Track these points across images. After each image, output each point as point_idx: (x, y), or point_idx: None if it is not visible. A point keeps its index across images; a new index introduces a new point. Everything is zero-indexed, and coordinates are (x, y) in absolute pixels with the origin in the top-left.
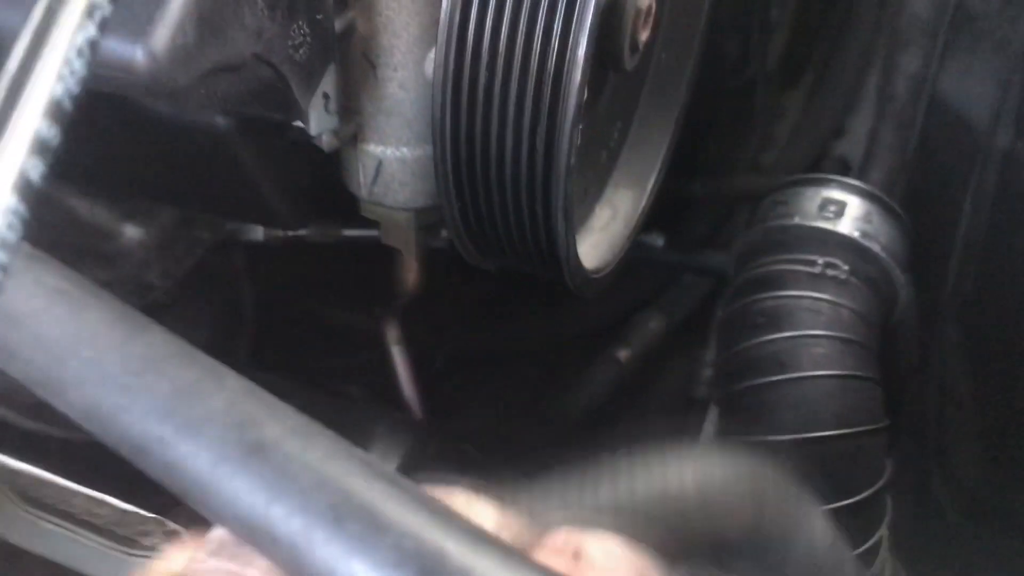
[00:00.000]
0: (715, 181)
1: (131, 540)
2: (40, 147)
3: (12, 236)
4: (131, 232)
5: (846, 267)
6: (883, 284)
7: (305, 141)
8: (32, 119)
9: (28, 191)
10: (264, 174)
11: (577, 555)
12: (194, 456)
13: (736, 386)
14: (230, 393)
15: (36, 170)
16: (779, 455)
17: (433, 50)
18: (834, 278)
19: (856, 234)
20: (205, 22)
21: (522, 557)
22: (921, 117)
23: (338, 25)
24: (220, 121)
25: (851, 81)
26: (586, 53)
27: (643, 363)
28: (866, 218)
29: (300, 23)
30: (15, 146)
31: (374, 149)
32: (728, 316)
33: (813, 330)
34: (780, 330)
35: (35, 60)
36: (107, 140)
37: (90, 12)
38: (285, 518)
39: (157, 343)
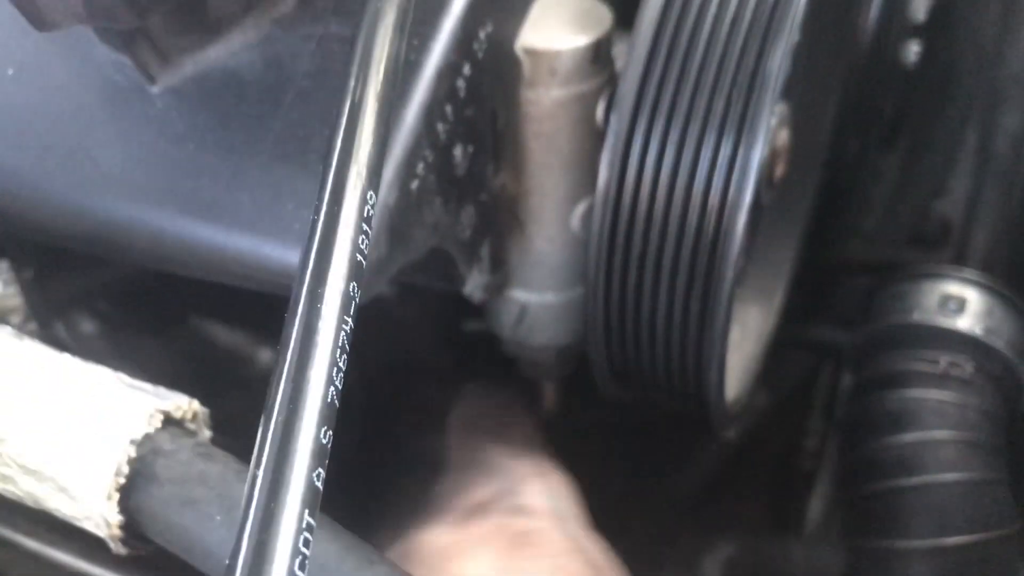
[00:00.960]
0: (817, 252)
1: None
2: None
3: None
4: (266, 357)
5: (970, 366)
6: (1008, 381)
7: (454, 295)
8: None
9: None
10: (417, 329)
11: None
12: None
13: (861, 488)
14: None
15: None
16: (911, 563)
17: (580, 206)
18: (958, 378)
19: (979, 331)
20: (396, 233)
21: None
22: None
23: (494, 192)
24: (387, 291)
25: (950, 141)
26: (744, 227)
27: (747, 438)
28: (988, 313)
29: (467, 208)
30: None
31: (519, 295)
32: (850, 415)
33: (939, 432)
34: (906, 431)
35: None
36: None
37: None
38: None
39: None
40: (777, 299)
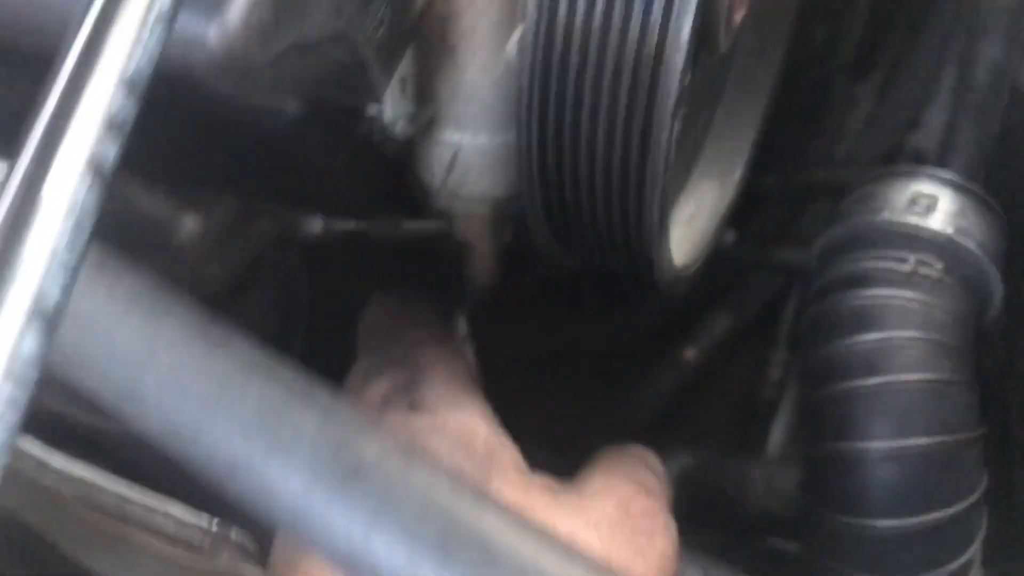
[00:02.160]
0: (787, 174)
1: (190, 547)
2: (113, 123)
3: (88, 223)
4: (190, 224)
5: (939, 265)
6: (978, 283)
7: (378, 128)
8: (106, 93)
9: (103, 173)
10: (334, 161)
11: None
12: (284, 480)
13: (820, 390)
14: (321, 410)
15: (112, 150)
16: (869, 465)
17: (518, 31)
18: (927, 277)
19: (950, 230)
20: None
21: None
22: (1002, 108)
23: (418, 3)
24: (290, 106)
25: (928, 70)
26: (689, 34)
27: (709, 362)
28: (960, 213)
29: (380, 1)
30: (88, 123)
31: (451, 137)
32: (811, 316)
33: (904, 331)
34: (868, 331)
35: (110, 26)
36: (169, 126)
37: None
38: (388, 547)
39: (240, 353)
40: (735, 176)
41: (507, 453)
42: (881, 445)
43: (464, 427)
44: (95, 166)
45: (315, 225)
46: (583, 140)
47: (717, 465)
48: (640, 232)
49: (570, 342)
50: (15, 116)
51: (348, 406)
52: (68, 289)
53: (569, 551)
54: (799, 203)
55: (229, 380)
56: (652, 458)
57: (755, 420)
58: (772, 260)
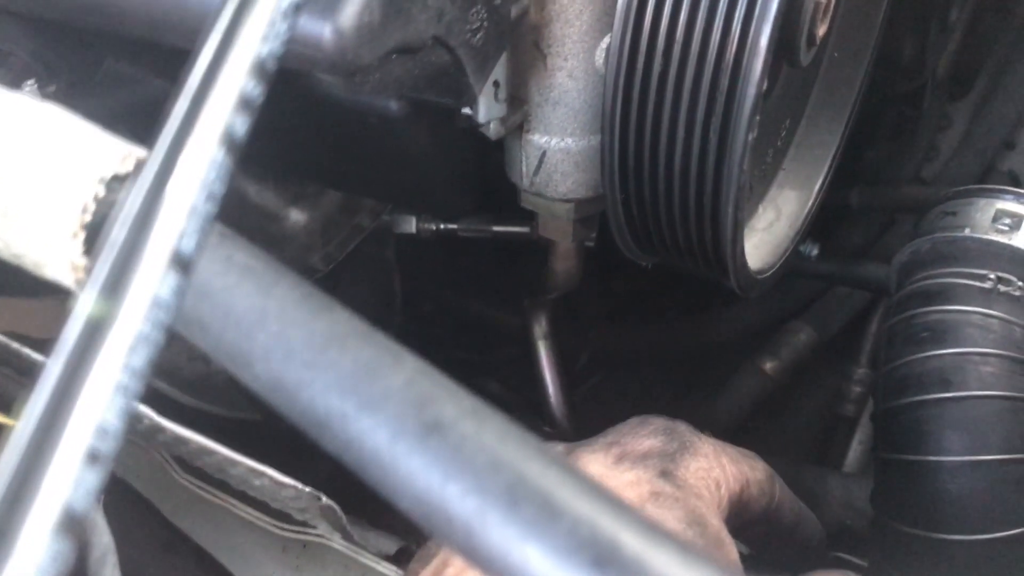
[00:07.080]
0: (875, 191)
1: (284, 514)
2: (245, 104)
3: (219, 188)
4: (296, 216)
5: (1021, 283)
6: None
7: (471, 129)
8: (238, 77)
9: (233, 145)
10: (431, 159)
11: None
12: (373, 432)
13: (895, 402)
14: (409, 372)
15: (241, 125)
16: (939, 477)
17: (605, 40)
18: (1006, 294)
19: None
20: (391, 2)
21: (696, 553)
22: None
23: (513, 12)
24: (393, 106)
25: None
26: (768, 41)
27: (790, 375)
28: None
29: (478, 7)
30: (222, 102)
31: (539, 139)
32: (889, 329)
33: (982, 347)
34: (946, 346)
35: (242, 21)
36: (284, 124)
37: None
38: (460, 498)
39: (340, 321)
40: (815, 187)
41: (732, 550)
42: (954, 460)
43: (701, 512)
44: (228, 139)
45: (409, 224)
46: (663, 143)
47: (794, 476)
48: (715, 235)
49: (653, 346)
50: (156, 103)
51: (433, 369)
52: (202, 241)
53: (622, 506)
54: (886, 220)
55: (328, 343)
56: None
57: (835, 434)
58: (854, 275)
